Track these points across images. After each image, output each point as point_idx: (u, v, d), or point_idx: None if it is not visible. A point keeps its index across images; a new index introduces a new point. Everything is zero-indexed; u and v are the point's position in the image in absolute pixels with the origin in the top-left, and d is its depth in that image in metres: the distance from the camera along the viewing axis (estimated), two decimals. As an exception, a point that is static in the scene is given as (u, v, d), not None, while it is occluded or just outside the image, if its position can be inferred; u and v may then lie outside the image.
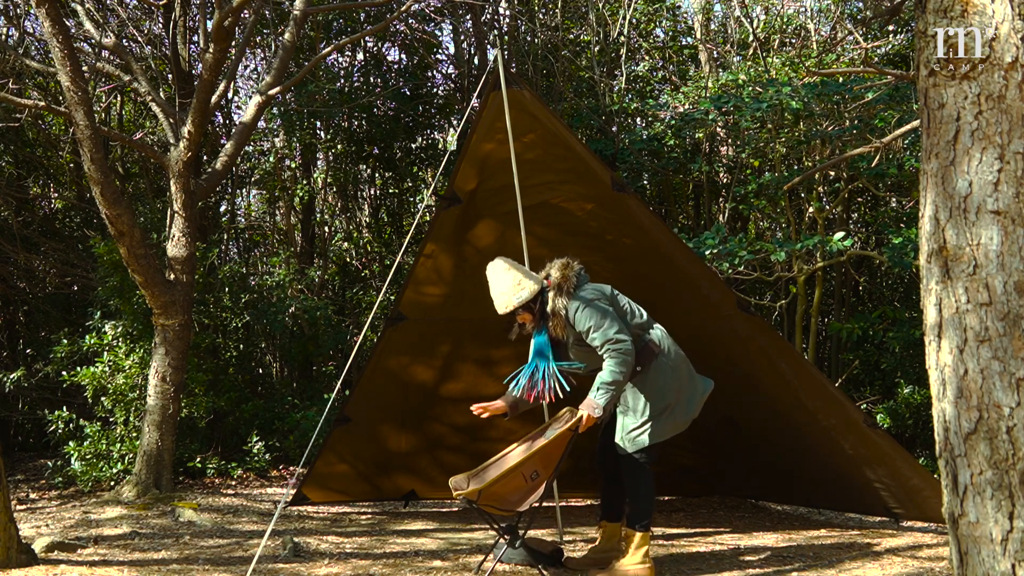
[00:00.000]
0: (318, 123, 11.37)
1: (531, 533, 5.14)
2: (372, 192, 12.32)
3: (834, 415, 5.98)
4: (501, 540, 4.86)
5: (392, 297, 9.37)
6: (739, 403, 6.79)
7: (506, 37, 11.59)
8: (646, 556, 4.59)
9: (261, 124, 11.54)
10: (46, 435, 8.92)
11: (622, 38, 11.00)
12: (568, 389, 4.65)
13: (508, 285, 4.61)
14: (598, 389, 4.48)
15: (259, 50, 11.62)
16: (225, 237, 11.53)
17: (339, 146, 11.44)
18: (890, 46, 9.98)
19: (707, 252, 7.80)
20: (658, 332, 4.74)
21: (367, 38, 11.30)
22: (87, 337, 8.41)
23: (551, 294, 4.60)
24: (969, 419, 2.84)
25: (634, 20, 11.29)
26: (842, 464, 6.22)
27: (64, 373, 8.35)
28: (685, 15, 12.18)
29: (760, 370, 6.19)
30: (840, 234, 7.66)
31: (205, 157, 10.17)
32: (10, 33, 10.29)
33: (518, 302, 4.59)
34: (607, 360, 4.47)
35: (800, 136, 8.81)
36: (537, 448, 4.54)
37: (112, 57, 9.08)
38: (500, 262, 4.71)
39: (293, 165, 12.04)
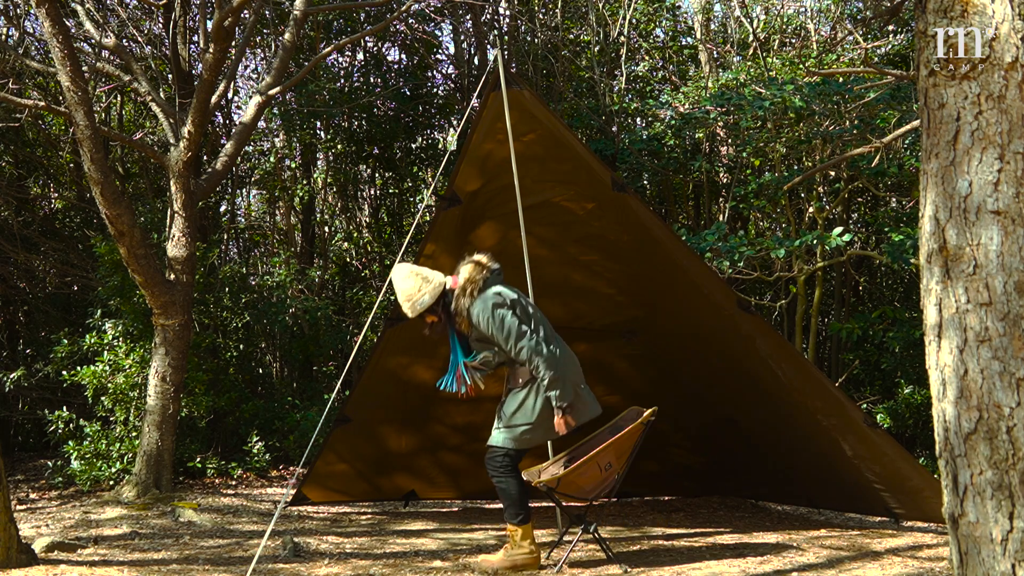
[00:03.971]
0: (318, 123, 11.38)
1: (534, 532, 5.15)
2: (372, 192, 12.32)
3: (834, 415, 5.98)
4: (569, 532, 5.21)
5: (392, 297, 9.36)
6: (739, 403, 6.79)
7: (506, 37, 11.59)
8: (531, 542, 4.83)
9: (261, 124, 11.54)
10: (46, 435, 8.92)
11: (622, 38, 11.00)
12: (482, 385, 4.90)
13: (409, 291, 4.81)
14: (549, 394, 4.69)
15: (259, 50, 11.62)
16: (225, 237, 11.53)
17: (339, 146, 11.44)
18: (890, 46, 9.97)
19: (706, 250, 7.79)
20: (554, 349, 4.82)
21: (367, 38, 11.30)
22: (87, 336, 8.41)
23: (455, 294, 4.77)
24: (969, 419, 2.84)
25: (634, 20, 11.29)
26: (842, 464, 6.22)
27: (64, 373, 8.35)
28: (685, 15, 12.19)
29: (760, 371, 6.20)
30: (838, 229, 7.65)
31: (205, 157, 10.17)
32: (10, 33, 10.29)
33: (421, 307, 4.79)
34: (534, 367, 4.65)
35: (800, 136, 8.81)
36: (612, 441, 4.78)
37: (112, 57, 9.08)
38: (402, 267, 4.89)
39: (293, 165, 12.04)
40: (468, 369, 4.87)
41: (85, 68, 8.11)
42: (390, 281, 4.98)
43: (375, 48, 11.73)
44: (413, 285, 4.79)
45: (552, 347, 4.70)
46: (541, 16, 11.51)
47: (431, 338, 5.01)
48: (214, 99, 7.69)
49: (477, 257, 4.83)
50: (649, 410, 4.87)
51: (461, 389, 4.90)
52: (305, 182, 11.77)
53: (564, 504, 5.10)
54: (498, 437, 4.85)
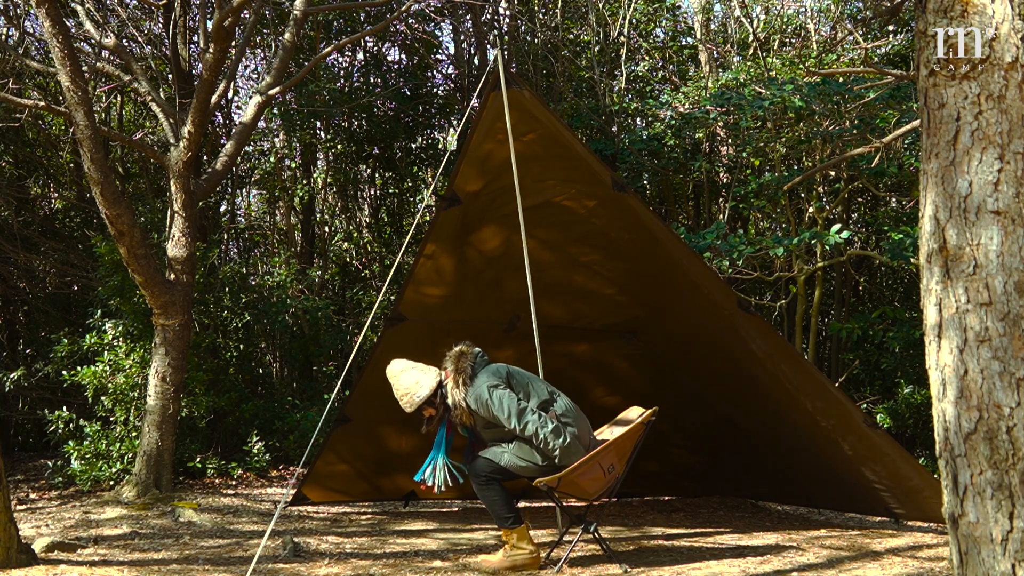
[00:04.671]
0: (318, 123, 11.38)
1: (533, 533, 5.15)
2: (372, 192, 12.32)
3: (834, 416, 5.97)
4: (569, 532, 5.20)
5: (392, 297, 9.37)
6: (738, 404, 6.79)
7: (506, 37, 11.59)
8: (529, 542, 4.88)
9: (261, 124, 11.54)
10: (46, 435, 8.92)
11: (622, 38, 11.00)
12: (460, 479, 4.94)
13: (406, 386, 4.89)
14: (560, 464, 4.72)
15: (259, 50, 11.62)
16: (225, 237, 11.53)
17: (339, 146, 11.44)
18: (890, 46, 9.98)
19: (706, 249, 7.79)
20: (560, 407, 4.87)
21: (367, 38, 11.30)
22: (87, 336, 8.41)
23: (449, 387, 4.85)
24: (969, 419, 2.84)
25: (634, 20, 11.28)
26: (842, 465, 6.22)
27: (64, 373, 8.35)
28: (685, 15, 12.19)
29: (759, 371, 6.19)
30: (837, 227, 7.65)
31: (205, 157, 10.17)
32: (10, 33, 10.29)
33: (419, 400, 4.87)
34: (540, 441, 4.68)
35: (800, 136, 8.81)
36: (614, 440, 4.75)
37: (112, 57, 9.08)
38: (396, 364, 4.98)
39: (293, 165, 12.04)
40: (444, 468, 4.90)
41: (85, 68, 8.11)
42: (390, 281, 5.00)
43: (375, 48, 11.73)
44: (410, 379, 4.88)
45: (555, 421, 4.71)
46: (541, 16, 11.51)
47: (429, 432, 5.03)
48: (214, 99, 7.69)
49: (458, 348, 4.91)
50: (649, 410, 4.88)
51: (430, 481, 4.92)
52: (305, 182, 11.77)
53: (564, 504, 5.11)
54: (502, 456, 4.84)
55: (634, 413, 5.03)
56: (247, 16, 8.64)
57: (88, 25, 7.86)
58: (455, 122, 11.68)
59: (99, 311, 8.68)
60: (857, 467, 6.12)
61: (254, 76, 12.12)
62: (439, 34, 12.16)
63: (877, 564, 4.97)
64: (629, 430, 4.81)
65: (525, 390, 4.82)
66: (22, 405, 10.38)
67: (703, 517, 6.84)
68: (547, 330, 5.90)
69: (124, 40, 9.77)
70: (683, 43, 11.93)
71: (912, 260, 7.65)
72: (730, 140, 9.88)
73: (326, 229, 12.58)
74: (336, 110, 10.70)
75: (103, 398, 8.12)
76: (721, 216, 10.42)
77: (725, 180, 10.53)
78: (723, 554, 5.29)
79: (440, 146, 11.72)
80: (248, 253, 12.49)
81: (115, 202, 6.84)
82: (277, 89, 7.90)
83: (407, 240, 9.21)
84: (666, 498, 7.73)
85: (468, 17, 11.60)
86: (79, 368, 8.22)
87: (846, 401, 5.91)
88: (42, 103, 7.55)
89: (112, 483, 7.72)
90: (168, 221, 7.59)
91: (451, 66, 12.35)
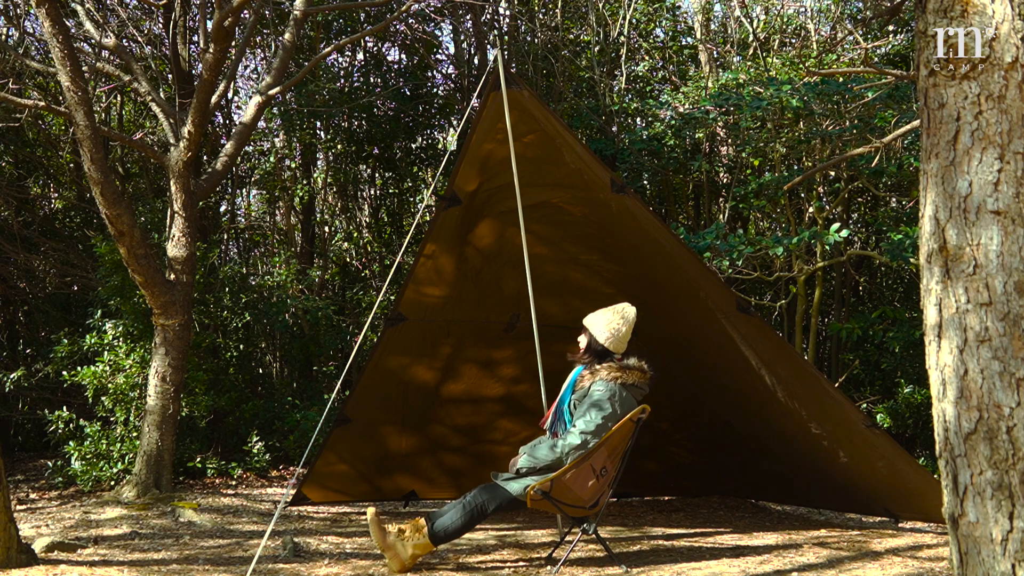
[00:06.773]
0: (318, 123, 11.38)
1: (533, 533, 5.15)
2: (372, 192, 12.32)
3: (832, 420, 5.96)
4: (569, 534, 5.23)
5: (392, 297, 9.37)
6: (735, 408, 6.79)
7: (506, 37, 11.59)
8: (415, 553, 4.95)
9: (261, 124, 11.54)
10: (46, 435, 8.92)
11: (622, 38, 11.00)
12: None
13: (602, 322, 5.06)
14: (524, 456, 4.87)
15: (259, 50, 11.62)
16: (225, 237, 11.53)
17: (339, 146, 11.44)
18: (890, 46, 9.98)
19: (705, 249, 7.78)
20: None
21: (367, 38, 11.30)
22: (87, 337, 8.41)
23: (612, 363, 4.98)
24: (969, 419, 2.84)
25: (634, 20, 11.28)
26: (839, 469, 6.22)
27: (64, 373, 8.35)
28: (685, 15, 12.18)
29: (755, 377, 6.18)
30: (836, 225, 7.64)
31: (205, 157, 10.17)
32: (10, 33, 10.29)
33: (597, 334, 5.03)
34: (563, 438, 4.82)
35: (800, 136, 8.81)
36: (604, 439, 4.74)
37: (112, 57, 9.08)
38: (630, 312, 5.11)
39: (293, 165, 12.04)
40: (557, 409, 5.04)
41: (85, 68, 8.10)
42: (390, 281, 5.01)
43: (375, 48, 11.73)
44: (620, 324, 5.05)
45: (582, 449, 4.80)
46: (541, 16, 11.50)
47: (574, 361, 5.16)
48: (214, 99, 7.69)
49: (646, 366, 5.04)
50: (638, 407, 4.86)
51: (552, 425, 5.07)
52: (305, 182, 11.77)
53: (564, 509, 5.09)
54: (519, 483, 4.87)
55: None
56: (247, 16, 8.65)
57: (88, 25, 7.86)
58: (455, 122, 11.68)
59: (99, 311, 8.68)
60: (854, 471, 6.11)
61: (254, 76, 12.12)
62: (439, 34, 12.17)
63: (877, 564, 4.97)
64: (619, 428, 4.77)
65: (612, 420, 4.85)
66: (22, 405, 10.38)
67: (703, 517, 6.84)
68: (546, 330, 5.90)
69: (124, 40, 9.76)
70: (683, 43, 11.93)
71: (912, 260, 7.65)
72: (730, 140, 9.88)
73: (326, 229, 12.58)
74: (336, 110, 10.70)
75: (103, 398, 8.12)
76: (721, 216, 10.42)
77: (725, 180, 10.52)
78: (723, 554, 5.29)
79: (440, 146, 11.72)
80: (248, 253, 12.49)
81: (115, 202, 6.84)
82: (277, 89, 7.90)
83: (407, 240, 9.21)
84: (666, 498, 7.73)
85: (468, 17, 11.60)
86: (79, 368, 8.21)
87: (846, 402, 5.90)
88: (42, 103, 7.54)
89: (112, 483, 7.72)
90: (168, 221, 7.59)
91: (451, 66, 12.35)
